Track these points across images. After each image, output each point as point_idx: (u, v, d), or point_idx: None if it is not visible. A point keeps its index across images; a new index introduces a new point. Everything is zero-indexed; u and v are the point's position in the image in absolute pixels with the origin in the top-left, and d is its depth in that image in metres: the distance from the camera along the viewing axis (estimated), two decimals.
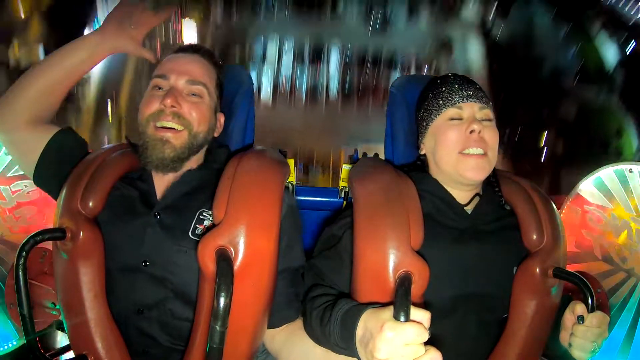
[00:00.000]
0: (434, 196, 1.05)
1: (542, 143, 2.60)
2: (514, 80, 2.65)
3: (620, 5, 2.14)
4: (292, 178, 1.40)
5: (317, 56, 3.17)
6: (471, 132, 0.99)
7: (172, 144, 1.00)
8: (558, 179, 2.42)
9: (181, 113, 1.01)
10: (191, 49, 1.11)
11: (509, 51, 2.73)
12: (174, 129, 1.00)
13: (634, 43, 2.16)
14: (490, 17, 2.86)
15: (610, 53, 2.29)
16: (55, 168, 1.09)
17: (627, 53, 2.19)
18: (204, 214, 1.01)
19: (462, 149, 1.00)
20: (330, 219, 1.09)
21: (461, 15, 2.99)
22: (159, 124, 1.00)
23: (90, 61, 1.12)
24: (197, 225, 1.00)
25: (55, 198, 1.08)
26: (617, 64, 2.25)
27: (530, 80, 2.60)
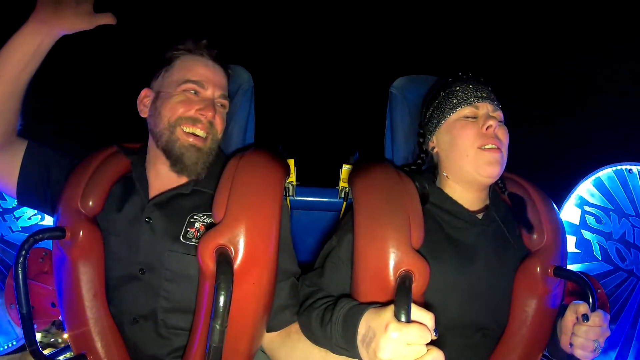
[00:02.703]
0: (440, 210, 1.04)
1: None
2: None
3: None
4: (292, 178, 1.40)
5: None
6: (487, 128, 0.99)
7: (203, 151, 1.03)
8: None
9: (213, 123, 1.05)
10: (216, 55, 1.08)
11: None
12: (202, 137, 1.03)
13: None
14: None
15: None
16: (40, 185, 1.07)
17: None
18: (194, 217, 1.01)
19: (481, 144, 0.99)
20: (330, 227, 1.07)
21: None
22: (190, 130, 1.01)
23: (34, 58, 0.97)
24: (188, 229, 0.99)
25: (47, 212, 1.08)
26: None
27: None
